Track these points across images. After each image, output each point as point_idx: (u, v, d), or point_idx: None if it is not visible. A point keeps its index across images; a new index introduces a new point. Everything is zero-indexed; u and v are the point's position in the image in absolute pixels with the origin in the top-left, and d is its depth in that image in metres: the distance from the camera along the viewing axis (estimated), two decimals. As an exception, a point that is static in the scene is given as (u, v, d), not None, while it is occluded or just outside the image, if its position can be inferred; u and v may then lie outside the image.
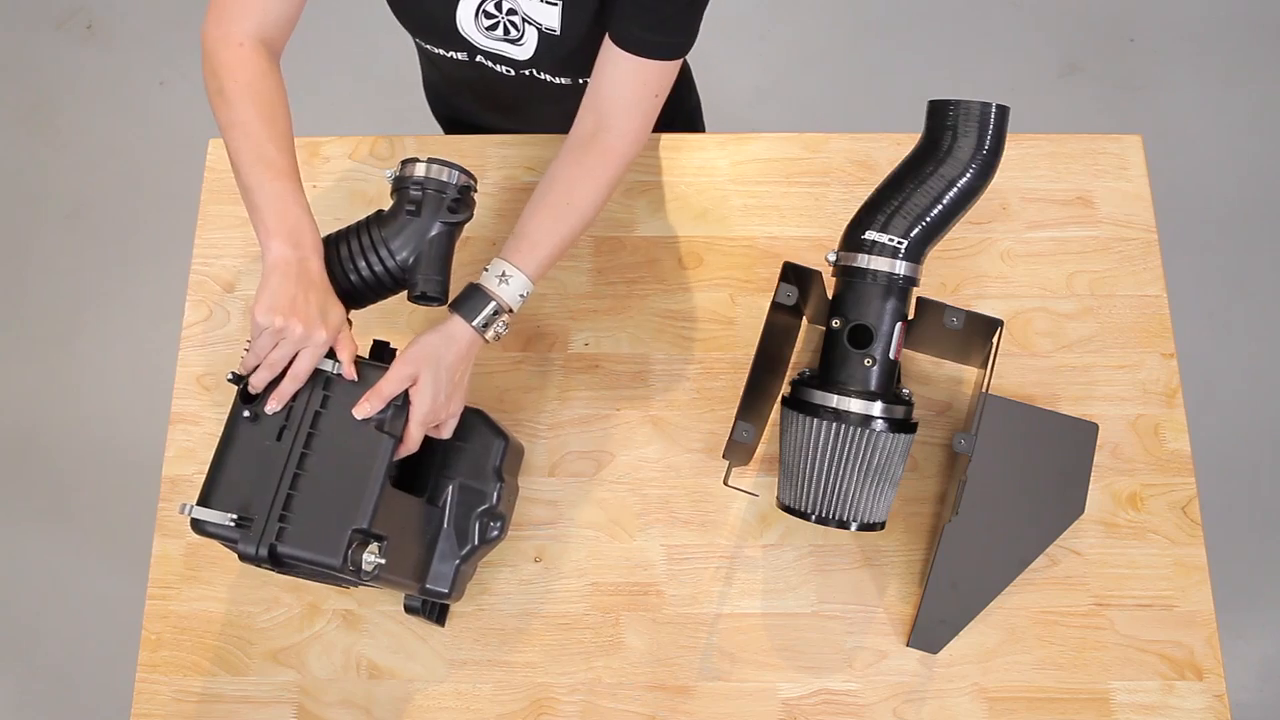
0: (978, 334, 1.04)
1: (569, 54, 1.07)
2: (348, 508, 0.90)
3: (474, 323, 0.97)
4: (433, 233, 0.96)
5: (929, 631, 1.09)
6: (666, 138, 1.29)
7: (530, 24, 1.04)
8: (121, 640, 1.84)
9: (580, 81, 1.12)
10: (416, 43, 1.18)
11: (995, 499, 1.10)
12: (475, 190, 1.01)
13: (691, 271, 1.23)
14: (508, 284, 0.98)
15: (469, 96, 1.29)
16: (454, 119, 1.40)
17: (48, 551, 2.06)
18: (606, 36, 1.01)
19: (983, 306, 1.21)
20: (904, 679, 1.09)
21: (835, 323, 1.01)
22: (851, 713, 1.08)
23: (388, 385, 0.93)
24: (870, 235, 0.99)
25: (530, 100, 1.20)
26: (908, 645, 1.10)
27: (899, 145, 1.27)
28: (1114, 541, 1.13)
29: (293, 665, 1.10)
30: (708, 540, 1.14)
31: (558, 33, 1.04)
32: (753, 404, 1.00)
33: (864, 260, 0.99)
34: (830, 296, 1.04)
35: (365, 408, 0.92)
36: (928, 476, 1.16)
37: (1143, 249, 1.24)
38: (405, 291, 0.99)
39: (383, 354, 1.00)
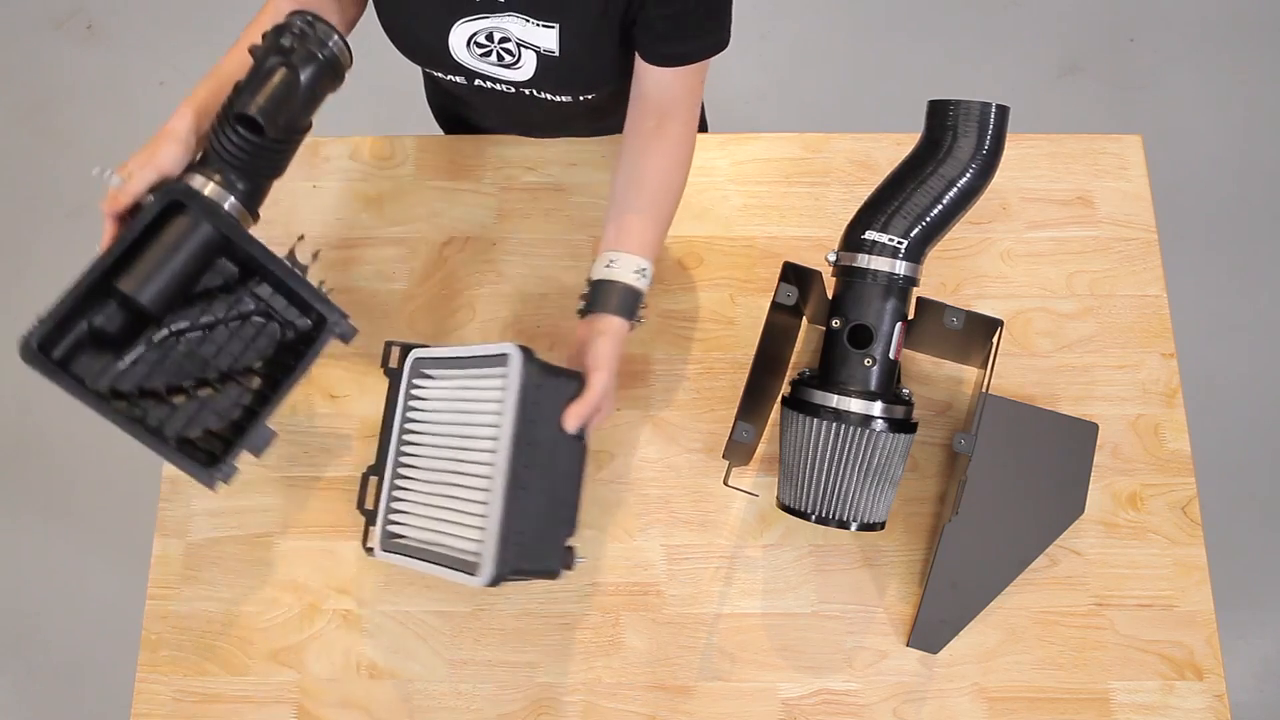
0: (978, 334, 1.04)
1: (569, 74, 1.07)
2: (563, 518, 0.95)
3: (632, 321, 1.02)
4: (292, 76, 0.94)
5: (929, 631, 1.09)
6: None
7: (526, 48, 1.04)
8: (121, 640, 1.84)
9: (581, 99, 1.12)
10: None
11: (995, 499, 1.10)
12: (348, 62, 0.99)
13: (691, 271, 1.23)
14: (645, 277, 1.03)
15: (472, 108, 1.30)
16: (456, 122, 1.40)
17: (48, 551, 2.06)
18: (637, 57, 1.03)
19: (983, 306, 1.21)
20: (904, 679, 1.09)
21: (835, 323, 1.01)
22: (851, 713, 1.08)
23: (595, 396, 0.96)
24: (870, 235, 0.99)
25: (532, 114, 1.20)
26: (908, 645, 1.10)
27: (899, 145, 1.27)
28: (1114, 541, 1.13)
29: (293, 665, 1.10)
30: (708, 540, 1.14)
31: (556, 54, 1.04)
32: (753, 404, 1.00)
33: (864, 260, 0.99)
34: (830, 296, 1.04)
35: (576, 420, 0.95)
36: (928, 476, 1.16)
37: (1143, 249, 1.24)
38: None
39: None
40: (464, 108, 1.32)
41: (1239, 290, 2.21)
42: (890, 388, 1.02)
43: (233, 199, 0.96)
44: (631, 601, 1.12)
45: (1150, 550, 1.13)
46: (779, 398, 1.12)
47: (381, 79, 2.40)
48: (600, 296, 1.01)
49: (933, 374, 1.19)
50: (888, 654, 1.10)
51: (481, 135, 1.30)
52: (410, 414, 1.07)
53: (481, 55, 1.06)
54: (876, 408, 0.98)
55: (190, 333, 1.00)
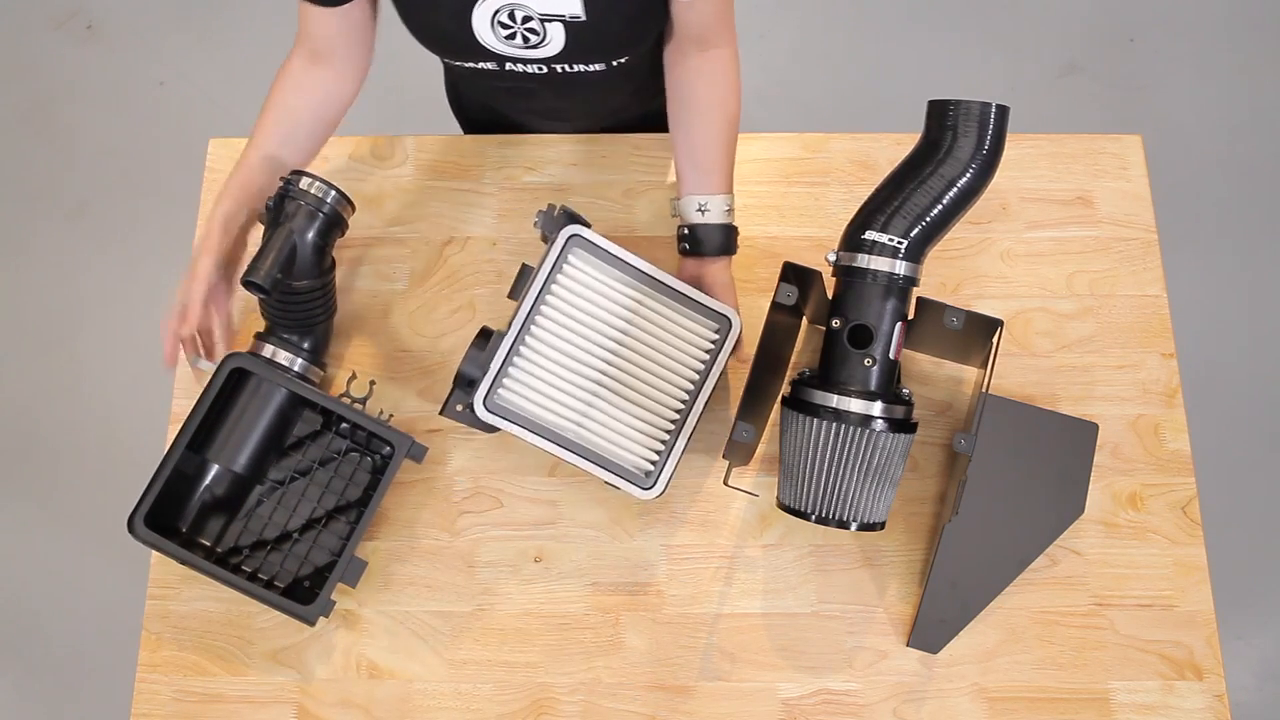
0: (978, 334, 1.04)
1: (598, 38, 1.06)
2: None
3: (733, 256, 1.14)
4: (288, 235, 1.05)
5: (929, 631, 1.09)
6: (667, 137, 1.29)
7: (551, 22, 1.03)
8: (121, 640, 1.84)
9: (614, 64, 1.11)
10: (445, 64, 1.18)
11: (995, 499, 1.10)
12: (349, 210, 1.10)
13: (691, 271, 1.23)
14: (732, 210, 1.12)
15: (503, 101, 1.29)
16: (480, 121, 1.40)
17: (48, 551, 2.06)
18: None
19: (983, 306, 1.21)
20: (904, 679, 1.09)
21: (835, 323, 1.01)
22: (851, 713, 1.08)
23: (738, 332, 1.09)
24: (870, 235, 0.99)
25: (566, 93, 1.19)
26: (908, 645, 1.10)
27: (899, 145, 1.27)
28: (1114, 541, 1.13)
29: (293, 665, 1.10)
30: (708, 540, 1.14)
31: (583, 17, 1.03)
32: (753, 404, 1.00)
33: (864, 260, 0.99)
34: (830, 296, 1.04)
35: (735, 356, 1.11)
36: (928, 476, 1.16)
37: (1143, 249, 1.24)
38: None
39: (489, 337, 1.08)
40: (496, 103, 1.31)
41: (1239, 290, 2.21)
42: (890, 388, 1.02)
43: (301, 360, 1.12)
44: (631, 601, 1.12)
45: (1150, 550, 1.13)
46: (779, 398, 1.12)
47: (382, 79, 2.40)
48: (703, 241, 1.11)
49: (933, 374, 1.19)
50: (888, 654, 1.10)
51: (482, 135, 1.30)
52: (557, 291, 1.05)
53: (506, 38, 1.06)
54: (876, 408, 0.98)
55: (293, 481, 1.13)
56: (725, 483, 1.01)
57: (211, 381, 1.07)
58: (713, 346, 1.08)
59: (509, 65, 1.11)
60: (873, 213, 1.00)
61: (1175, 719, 1.07)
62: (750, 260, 1.23)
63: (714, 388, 1.07)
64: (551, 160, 1.28)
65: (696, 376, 1.07)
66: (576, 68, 1.11)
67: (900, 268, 0.99)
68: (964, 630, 1.09)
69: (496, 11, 1.03)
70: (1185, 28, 2.42)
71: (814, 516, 1.01)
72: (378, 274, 1.24)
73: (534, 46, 1.07)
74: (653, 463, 1.06)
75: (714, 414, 1.17)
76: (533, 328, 1.04)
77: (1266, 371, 2.15)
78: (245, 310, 1.23)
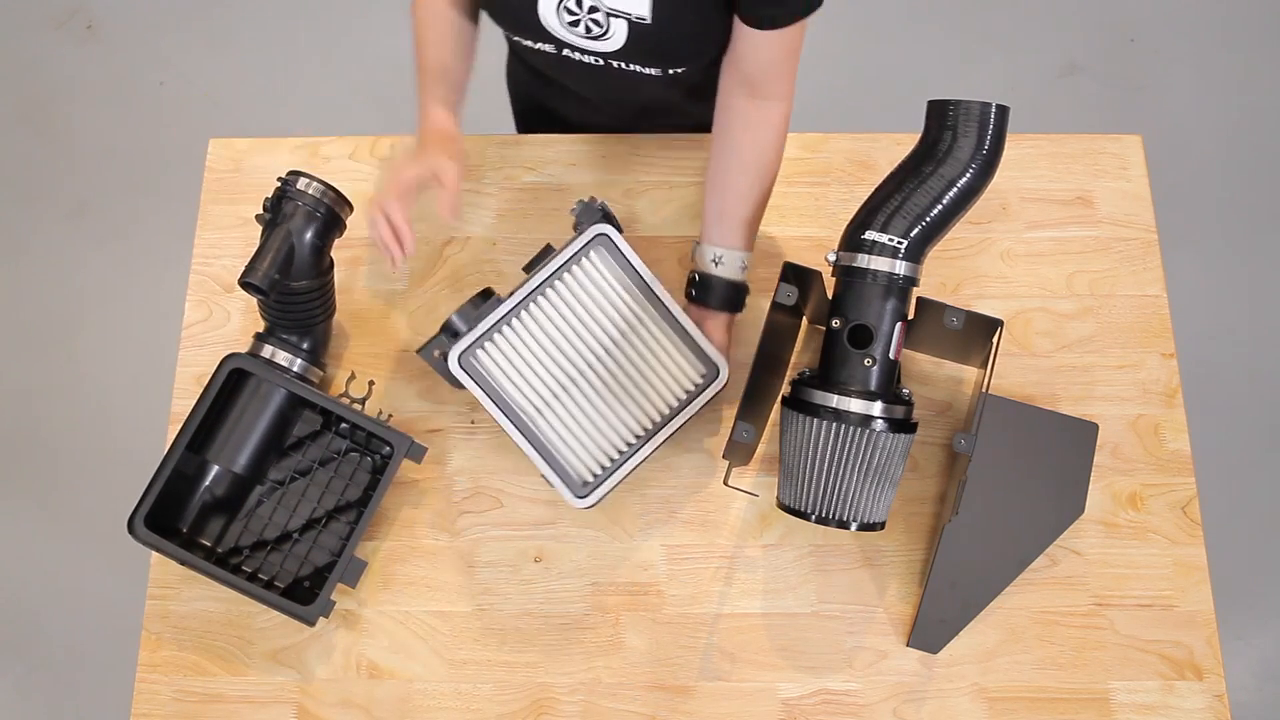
0: (978, 334, 1.04)
1: (659, 44, 1.06)
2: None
3: (736, 315, 1.14)
4: (285, 236, 1.05)
5: (929, 631, 1.09)
6: (667, 138, 1.29)
7: (617, 17, 1.03)
8: (121, 640, 1.84)
9: (670, 72, 1.11)
10: (506, 36, 1.18)
11: (995, 499, 1.10)
12: (347, 210, 1.11)
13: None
14: (747, 267, 1.12)
15: (556, 87, 1.28)
16: (533, 111, 1.40)
17: (48, 551, 2.06)
18: (736, 18, 1.03)
19: (983, 306, 1.21)
20: (904, 679, 1.09)
21: (835, 323, 1.01)
22: (851, 713, 1.08)
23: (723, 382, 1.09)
24: (870, 235, 0.99)
25: (617, 89, 1.19)
26: (908, 645, 1.10)
27: (899, 145, 1.27)
28: (1114, 541, 1.13)
29: (293, 665, 1.10)
30: (708, 540, 1.14)
31: (648, 20, 1.02)
32: (753, 404, 1.00)
33: (864, 260, 0.99)
34: (830, 296, 1.04)
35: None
36: (928, 476, 1.16)
37: (1143, 249, 1.24)
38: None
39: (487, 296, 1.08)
40: (548, 88, 1.30)
41: (1239, 290, 2.21)
42: (890, 388, 1.02)
43: (300, 360, 1.12)
44: (631, 601, 1.12)
45: (1150, 550, 1.13)
46: (779, 398, 1.12)
47: (382, 79, 2.40)
48: (710, 292, 1.11)
49: (933, 374, 1.19)
50: (888, 654, 1.10)
51: (482, 136, 1.30)
52: (567, 280, 1.07)
53: (570, 24, 1.06)
54: (876, 408, 0.98)
55: (292, 481, 1.13)
56: (725, 483, 1.01)
57: (211, 382, 1.07)
58: (694, 389, 1.08)
59: (566, 51, 1.10)
60: (873, 213, 1.00)
61: (1175, 719, 1.07)
62: (750, 260, 1.23)
63: (680, 427, 1.08)
64: (551, 160, 1.28)
65: (668, 411, 1.08)
66: (633, 67, 1.10)
67: (900, 268, 0.99)
68: (964, 630, 1.09)
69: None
70: (1185, 28, 2.42)
71: (814, 516, 1.01)
72: (378, 274, 1.24)
73: (596, 38, 1.06)
74: (595, 475, 1.07)
75: (714, 414, 1.18)
76: (531, 305, 1.05)
77: (1266, 371, 2.15)
78: (244, 310, 1.23)
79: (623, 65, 1.10)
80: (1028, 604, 1.11)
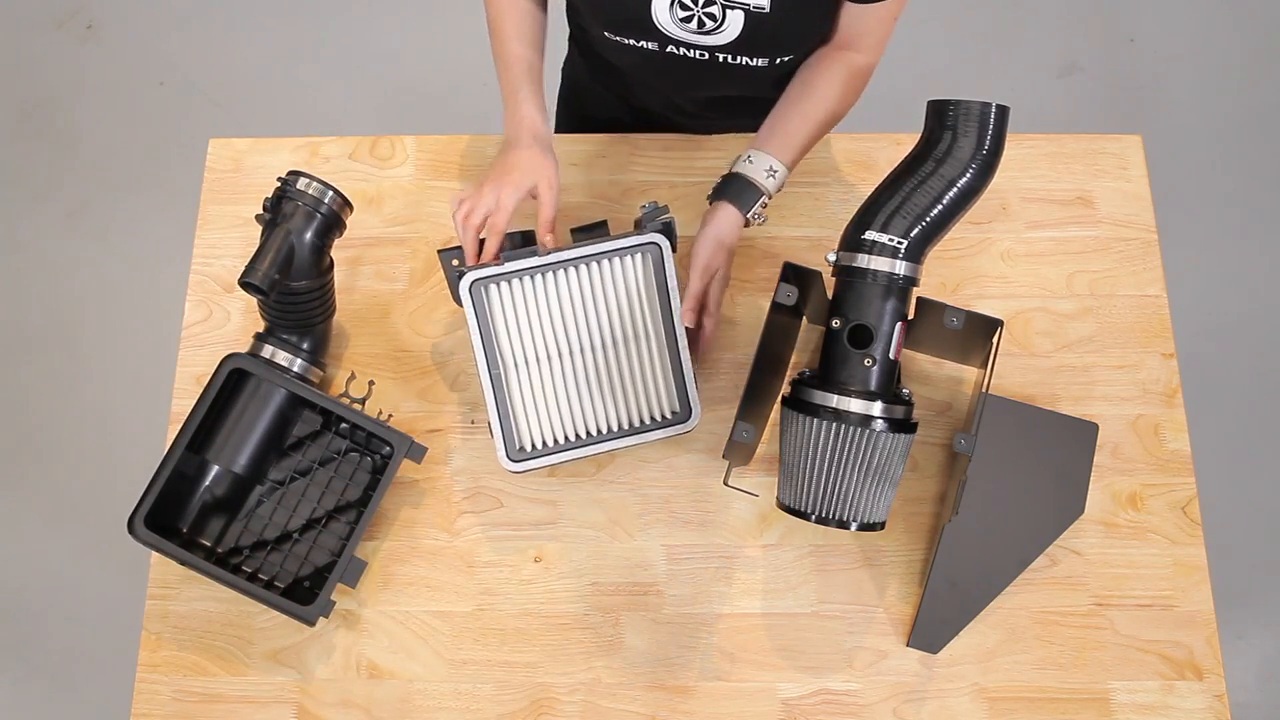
0: (978, 334, 1.04)
1: (777, 30, 1.05)
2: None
3: (748, 213, 1.08)
4: (285, 236, 1.05)
5: (929, 631, 1.09)
6: (666, 138, 1.29)
7: (733, 9, 1.03)
8: (121, 640, 1.84)
9: (778, 61, 1.10)
10: (581, 39, 1.17)
11: (995, 499, 1.10)
12: (347, 210, 1.10)
13: (691, 271, 1.23)
14: (774, 177, 1.08)
15: (639, 82, 1.27)
16: (591, 117, 1.40)
17: (47, 551, 2.06)
18: None
19: (983, 306, 1.21)
20: (904, 679, 1.09)
21: (835, 323, 1.01)
22: (851, 713, 1.08)
23: (698, 285, 1.07)
24: (870, 235, 0.99)
25: (709, 84, 1.19)
26: (908, 645, 1.10)
27: (899, 145, 1.27)
28: (1114, 541, 1.13)
29: (293, 665, 1.10)
30: (708, 540, 1.14)
31: (767, 9, 1.02)
32: (753, 404, 1.00)
33: (864, 260, 0.99)
34: (830, 296, 1.04)
35: (689, 316, 1.06)
36: (928, 476, 1.16)
37: (1143, 249, 1.24)
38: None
39: (529, 240, 1.08)
40: (639, 91, 1.29)
41: (1239, 290, 2.21)
42: (890, 388, 1.02)
43: (300, 360, 1.11)
44: (631, 601, 1.12)
45: (1150, 550, 1.13)
46: (779, 398, 1.12)
47: (382, 79, 2.40)
48: (725, 186, 1.09)
49: (933, 374, 1.19)
50: (888, 654, 1.10)
51: (481, 136, 1.30)
52: (601, 267, 1.08)
53: (683, 20, 1.05)
54: (876, 408, 0.98)
55: (292, 481, 1.12)
56: (725, 483, 1.01)
57: (211, 382, 1.07)
58: (662, 420, 1.10)
59: (671, 48, 1.09)
60: (872, 213, 1.00)
61: (1175, 719, 1.07)
62: (750, 260, 1.23)
63: (629, 447, 1.09)
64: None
65: (629, 426, 1.10)
66: (740, 60, 1.10)
67: (900, 268, 0.99)
68: (964, 630, 1.09)
69: None
70: (1185, 28, 2.42)
71: (814, 516, 1.01)
72: (378, 274, 1.24)
73: (708, 32, 1.05)
74: (536, 448, 1.08)
75: (714, 414, 1.18)
76: (560, 271, 1.06)
77: (1267, 372, 2.15)
78: (244, 310, 1.23)
79: (729, 59, 1.09)
80: (1028, 604, 1.11)
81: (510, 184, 1.02)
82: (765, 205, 1.09)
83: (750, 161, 1.08)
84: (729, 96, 1.22)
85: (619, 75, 1.27)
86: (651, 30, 1.07)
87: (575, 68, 1.41)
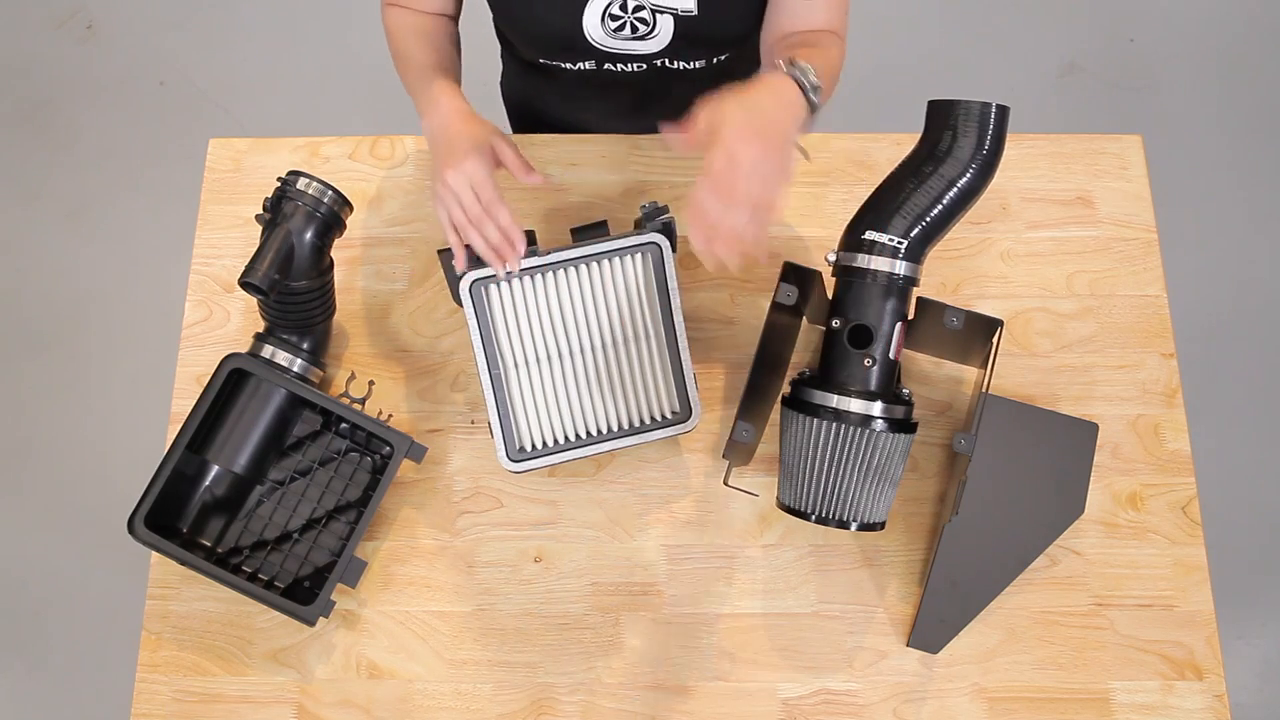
0: (978, 334, 1.04)
1: (707, 32, 1.05)
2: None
3: (809, 90, 0.86)
4: (285, 236, 1.05)
5: (929, 631, 1.09)
6: (666, 137, 1.29)
7: (662, 13, 1.02)
8: (121, 640, 1.84)
9: (715, 61, 1.09)
10: (516, 62, 1.15)
11: (995, 499, 1.10)
12: (347, 210, 1.10)
13: (691, 271, 1.23)
14: (817, 94, 0.90)
15: (588, 106, 1.26)
16: (541, 125, 1.39)
17: (47, 551, 2.06)
18: None
19: (983, 306, 1.21)
20: (904, 679, 1.09)
21: (835, 323, 1.01)
22: (851, 713, 1.08)
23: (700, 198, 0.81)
24: (870, 235, 0.99)
25: (655, 93, 1.18)
26: (908, 645, 1.10)
27: (899, 145, 1.27)
28: (1114, 541, 1.13)
29: (293, 665, 1.10)
30: (708, 540, 1.14)
31: (694, 12, 1.02)
32: (753, 404, 1.00)
33: (864, 260, 0.99)
34: (830, 296, 1.04)
35: (697, 235, 0.82)
36: (928, 476, 1.16)
37: (1143, 249, 1.24)
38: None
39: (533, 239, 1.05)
40: (578, 111, 1.27)
41: (1239, 290, 2.21)
42: (890, 388, 1.02)
43: (300, 360, 1.11)
44: (631, 601, 1.12)
45: (1150, 550, 1.13)
46: (779, 398, 1.12)
47: (382, 79, 2.40)
48: (793, 68, 0.89)
49: (933, 374, 1.19)
50: (888, 654, 1.10)
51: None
52: (601, 267, 1.07)
53: (615, 30, 1.04)
54: (876, 408, 0.98)
55: (292, 481, 1.12)
56: (725, 483, 1.01)
57: (211, 382, 1.07)
58: (662, 420, 1.10)
59: (608, 65, 1.09)
60: (872, 213, 1.00)
61: (1175, 719, 1.07)
62: (750, 260, 1.23)
63: (629, 446, 1.09)
64: (551, 160, 1.28)
65: (629, 426, 1.09)
66: (678, 64, 1.09)
67: (900, 268, 0.99)
68: (964, 630, 1.09)
69: (610, 4, 1.03)
70: (1185, 28, 2.42)
71: (814, 516, 1.01)
72: (378, 274, 1.24)
73: (641, 38, 1.05)
74: (536, 448, 1.08)
75: (714, 414, 1.18)
76: (560, 271, 1.05)
77: (1267, 372, 2.15)
78: (244, 310, 1.23)
79: (667, 63, 1.09)
80: (1028, 604, 1.11)
81: (464, 153, 0.95)
82: (815, 107, 0.89)
83: (792, 65, 0.89)
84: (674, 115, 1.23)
85: (560, 99, 1.28)
86: (586, 48, 1.07)
87: (513, 86, 1.40)
